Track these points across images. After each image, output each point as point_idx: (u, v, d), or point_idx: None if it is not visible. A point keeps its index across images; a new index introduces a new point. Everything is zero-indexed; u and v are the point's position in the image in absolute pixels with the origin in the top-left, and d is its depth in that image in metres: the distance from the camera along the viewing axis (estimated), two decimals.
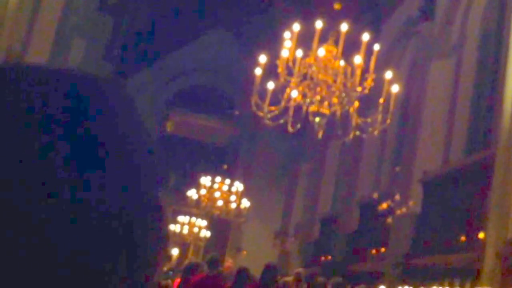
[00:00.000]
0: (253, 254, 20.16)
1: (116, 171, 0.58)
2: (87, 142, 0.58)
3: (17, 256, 0.54)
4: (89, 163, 0.57)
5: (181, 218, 19.08)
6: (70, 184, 0.56)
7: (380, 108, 8.47)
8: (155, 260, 0.61)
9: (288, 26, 8.41)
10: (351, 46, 8.57)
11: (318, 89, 8.28)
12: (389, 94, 8.42)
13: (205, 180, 18.15)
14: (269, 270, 8.72)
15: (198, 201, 18.15)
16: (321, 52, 8.17)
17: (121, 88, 0.65)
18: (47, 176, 0.56)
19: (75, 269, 0.55)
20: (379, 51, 8.41)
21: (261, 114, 8.74)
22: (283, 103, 8.54)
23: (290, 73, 8.34)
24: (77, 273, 0.55)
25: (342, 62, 8.31)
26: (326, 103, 8.30)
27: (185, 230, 18.99)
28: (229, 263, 12.92)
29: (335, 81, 8.29)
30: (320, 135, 8.72)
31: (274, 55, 8.57)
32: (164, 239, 0.62)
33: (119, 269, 0.57)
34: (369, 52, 8.13)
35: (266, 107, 8.62)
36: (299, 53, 8.27)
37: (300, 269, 10.28)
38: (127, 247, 0.58)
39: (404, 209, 13.18)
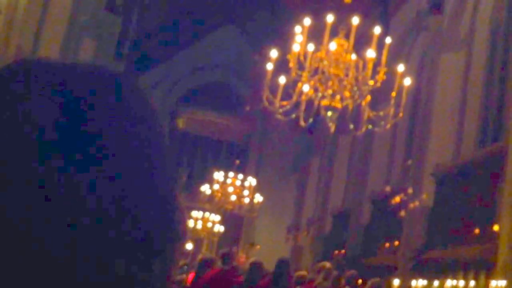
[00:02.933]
0: (265, 248, 20.20)
1: (128, 170, 0.57)
2: (96, 140, 0.56)
3: (15, 261, 0.53)
4: (98, 160, 0.56)
5: (195, 214, 19.14)
6: (73, 184, 0.54)
7: (392, 102, 8.46)
8: (172, 258, 0.60)
9: (298, 21, 8.41)
10: (360, 40, 8.57)
11: (330, 83, 8.27)
12: (401, 87, 8.41)
13: (218, 176, 18.21)
14: (282, 264, 8.72)
15: (211, 196, 18.22)
16: (332, 46, 8.16)
17: (135, 83, 0.63)
18: (47, 179, 0.54)
19: (78, 274, 0.54)
20: (389, 45, 8.40)
21: (272, 109, 8.75)
22: (294, 98, 8.54)
23: (301, 67, 8.35)
24: (82, 278, 0.54)
25: (353, 56, 8.30)
26: (338, 97, 8.30)
27: (199, 225, 19.05)
28: (242, 258, 12.99)
29: (346, 75, 8.29)
30: (332, 129, 8.72)
31: (285, 50, 8.57)
32: (181, 237, 0.61)
33: (134, 270, 0.56)
34: (379, 45, 8.12)
35: (277, 102, 8.63)
36: (310, 47, 8.26)
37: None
38: (142, 248, 0.57)
39: (416, 203, 13.17)
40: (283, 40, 9.53)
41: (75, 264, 0.54)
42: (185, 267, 10.59)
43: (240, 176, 18.49)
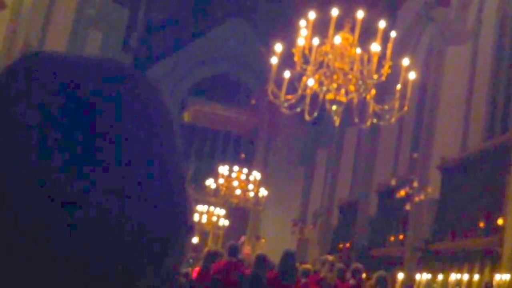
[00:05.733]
0: (271, 242, 20.24)
1: (138, 165, 0.57)
2: (103, 136, 0.56)
3: (17, 261, 0.53)
4: (104, 157, 0.55)
5: (200, 207, 19.20)
6: (71, 181, 0.54)
7: (397, 95, 8.45)
8: (182, 250, 0.60)
9: (304, 14, 8.40)
10: (367, 33, 8.55)
11: (335, 77, 8.27)
12: (406, 81, 8.40)
13: (223, 169, 18.25)
14: (288, 257, 8.76)
15: (217, 190, 18.26)
16: (337, 39, 8.15)
17: (145, 76, 0.63)
18: (46, 174, 0.53)
19: (86, 271, 0.54)
20: (395, 38, 8.39)
21: (277, 102, 8.76)
22: (299, 92, 8.54)
23: (306, 61, 8.34)
24: (92, 275, 0.54)
25: (358, 50, 8.29)
26: (342, 91, 8.29)
27: (204, 219, 19.10)
28: (247, 251, 13.02)
29: (351, 69, 8.28)
30: (337, 123, 8.73)
31: (290, 43, 8.57)
32: (191, 230, 0.62)
33: (148, 263, 0.56)
34: (385, 39, 8.11)
35: (282, 96, 8.64)
36: (315, 41, 8.26)
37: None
38: (155, 241, 0.57)
39: (422, 196, 13.17)
40: (290, 33, 9.52)
41: (82, 261, 0.53)
42: (191, 260, 10.65)
43: (245, 170, 18.52)
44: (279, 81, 8.70)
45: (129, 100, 0.59)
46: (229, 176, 18.17)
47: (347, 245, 17.22)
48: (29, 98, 0.56)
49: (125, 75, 0.61)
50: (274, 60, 8.55)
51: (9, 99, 0.56)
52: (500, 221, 10.00)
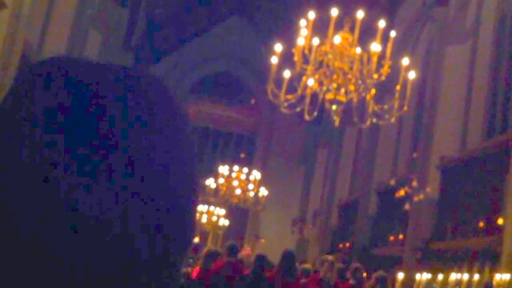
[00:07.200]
0: (271, 241, 20.25)
1: (146, 165, 0.57)
2: (110, 136, 0.56)
3: (16, 261, 0.53)
4: (112, 158, 0.55)
5: (200, 207, 19.18)
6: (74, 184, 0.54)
7: (397, 95, 8.46)
8: (186, 250, 0.61)
9: (303, 14, 8.41)
10: (366, 33, 8.56)
11: (335, 76, 8.27)
12: (405, 80, 8.41)
13: (223, 169, 18.24)
14: (287, 256, 8.77)
15: (217, 190, 18.25)
16: (337, 39, 8.15)
17: (159, 80, 0.64)
18: (49, 173, 0.54)
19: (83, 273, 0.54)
20: (394, 38, 8.39)
21: (277, 102, 8.77)
22: (299, 91, 8.55)
23: (306, 61, 8.35)
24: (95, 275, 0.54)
25: (358, 49, 8.30)
26: (342, 90, 8.30)
27: (204, 219, 19.10)
28: (247, 251, 13.01)
29: (351, 69, 8.29)
30: (337, 122, 8.74)
31: (290, 43, 8.58)
32: (195, 229, 0.62)
33: (149, 261, 0.56)
34: (385, 38, 8.12)
35: (282, 96, 8.64)
36: (315, 41, 8.27)
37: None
38: (161, 240, 0.57)
39: (422, 195, 13.17)
40: (290, 32, 9.53)
41: (83, 259, 0.53)
42: (191, 260, 10.65)
43: (245, 169, 18.51)
44: (279, 81, 8.71)
45: (136, 99, 0.59)
46: (229, 176, 18.17)
47: (347, 244, 17.23)
48: (33, 99, 0.56)
49: (132, 74, 0.61)
50: (274, 60, 8.56)
51: (15, 101, 0.57)
52: (500, 221, 10.00)
